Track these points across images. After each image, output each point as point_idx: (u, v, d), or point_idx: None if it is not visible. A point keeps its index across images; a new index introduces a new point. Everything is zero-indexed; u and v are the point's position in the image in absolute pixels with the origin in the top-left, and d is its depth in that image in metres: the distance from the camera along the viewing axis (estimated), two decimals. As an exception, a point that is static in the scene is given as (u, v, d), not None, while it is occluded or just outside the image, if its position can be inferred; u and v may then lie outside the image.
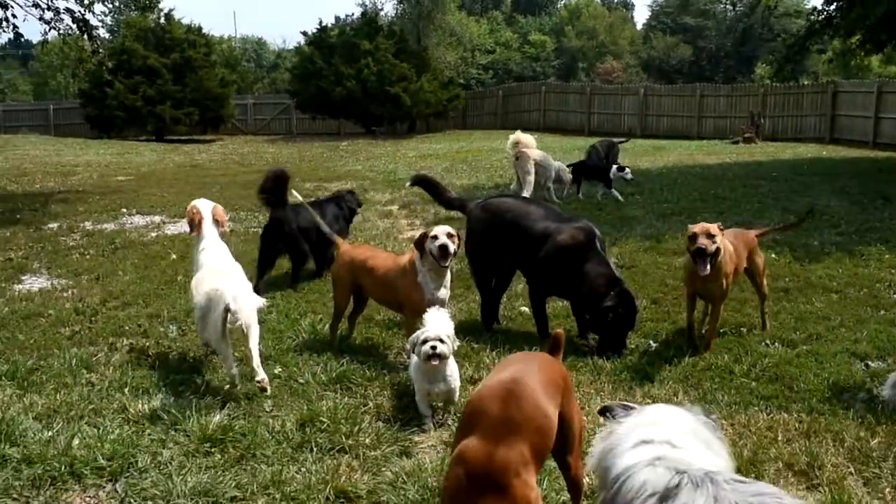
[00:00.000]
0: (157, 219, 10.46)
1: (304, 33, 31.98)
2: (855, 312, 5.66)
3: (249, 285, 4.61)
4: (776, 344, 5.04)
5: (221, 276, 4.45)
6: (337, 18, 58.29)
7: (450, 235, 4.51)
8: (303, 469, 3.40)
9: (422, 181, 6.29)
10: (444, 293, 4.65)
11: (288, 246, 6.73)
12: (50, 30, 15.04)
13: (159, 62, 29.42)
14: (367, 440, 3.66)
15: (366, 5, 42.85)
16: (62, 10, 14.79)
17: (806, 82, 29.77)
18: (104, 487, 3.33)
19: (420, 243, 4.60)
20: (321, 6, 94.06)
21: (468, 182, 13.86)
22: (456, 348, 4.00)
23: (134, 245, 8.67)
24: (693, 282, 4.88)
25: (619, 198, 10.93)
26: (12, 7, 14.52)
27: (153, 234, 9.35)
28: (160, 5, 25.92)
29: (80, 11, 15.05)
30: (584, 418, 3.39)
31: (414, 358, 3.98)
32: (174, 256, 7.94)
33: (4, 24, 14.47)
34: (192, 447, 3.61)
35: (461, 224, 5.75)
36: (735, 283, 5.32)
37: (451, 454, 2.56)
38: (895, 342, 5.00)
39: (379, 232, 9.22)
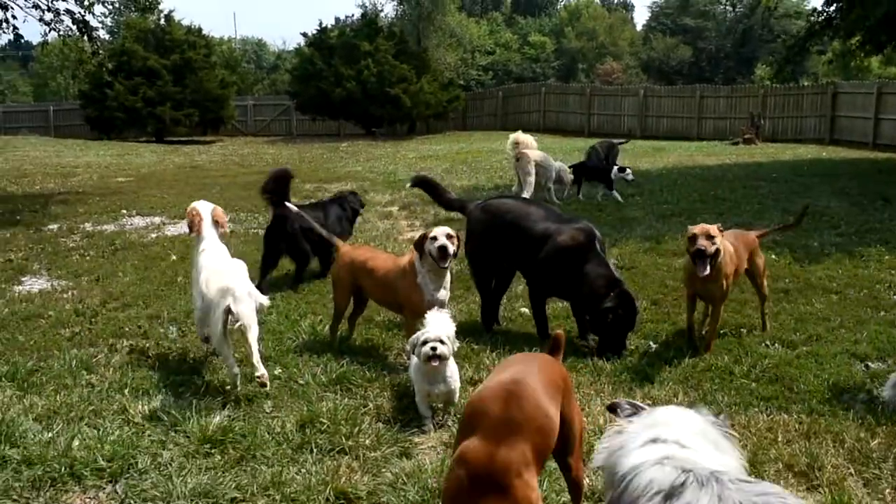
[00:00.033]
0: (157, 220, 10.46)
1: (304, 34, 31.90)
2: (855, 313, 5.66)
3: (251, 284, 4.61)
4: (776, 345, 5.04)
5: (223, 277, 4.45)
6: (337, 19, 58.49)
7: (449, 237, 4.51)
8: (303, 470, 3.40)
9: (422, 182, 6.29)
10: (443, 294, 4.65)
11: (289, 245, 6.73)
12: (50, 31, 15.06)
13: (159, 63, 29.44)
14: (368, 441, 3.66)
15: (366, 6, 42.91)
16: (62, 12, 14.82)
17: (806, 83, 29.72)
18: (104, 489, 3.33)
19: (419, 244, 4.60)
20: (321, 7, 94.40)
21: (468, 183, 13.86)
22: (456, 349, 4.00)
23: (134, 246, 8.67)
24: (693, 283, 4.88)
25: (619, 199, 10.94)
26: (12, 8, 14.56)
27: (153, 236, 9.35)
28: (160, 6, 25.90)
29: (80, 13, 15.08)
30: (584, 419, 3.39)
31: (414, 359, 3.98)
32: (174, 258, 7.94)
33: (4, 25, 14.50)
34: (192, 448, 3.61)
35: (461, 225, 5.76)
36: (735, 285, 5.32)
37: (451, 455, 2.55)
38: (895, 343, 5.00)
39: (379, 233, 9.23)
